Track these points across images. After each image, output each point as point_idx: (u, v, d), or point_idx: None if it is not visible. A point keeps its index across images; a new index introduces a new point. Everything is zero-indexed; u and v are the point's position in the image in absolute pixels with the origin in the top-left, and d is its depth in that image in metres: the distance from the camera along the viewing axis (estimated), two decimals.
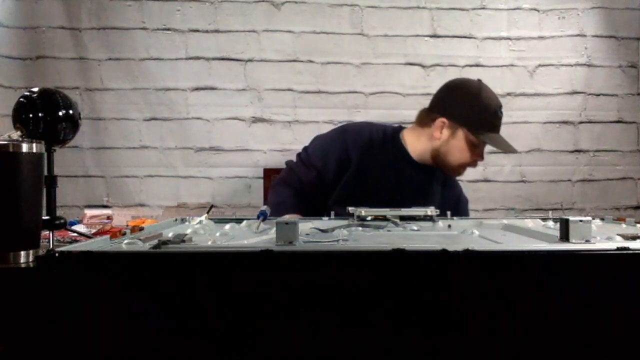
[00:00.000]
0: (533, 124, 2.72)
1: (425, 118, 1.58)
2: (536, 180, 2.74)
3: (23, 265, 0.74)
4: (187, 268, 0.67)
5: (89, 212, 1.87)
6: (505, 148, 1.54)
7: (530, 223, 1.11)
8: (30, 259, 0.75)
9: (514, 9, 2.72)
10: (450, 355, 0.67)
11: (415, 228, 1.04)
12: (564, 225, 0.77)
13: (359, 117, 2.63)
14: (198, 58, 2.64)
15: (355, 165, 1.55)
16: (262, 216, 1.11)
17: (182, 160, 2.68)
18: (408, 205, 1.17)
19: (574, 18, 2.73)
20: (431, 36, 2.70)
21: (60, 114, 1.13)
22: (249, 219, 1.16)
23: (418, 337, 0.66)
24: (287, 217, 1.23)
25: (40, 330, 0.67)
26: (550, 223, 1.08)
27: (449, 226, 1.09)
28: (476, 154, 1.54)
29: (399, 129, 1.65)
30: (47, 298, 0.67)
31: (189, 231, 0.95)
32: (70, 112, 1.14)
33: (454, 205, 1.59)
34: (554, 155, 2.74)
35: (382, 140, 1.61)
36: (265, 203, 1.96)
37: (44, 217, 1.04)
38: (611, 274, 0.67)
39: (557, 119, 2.74)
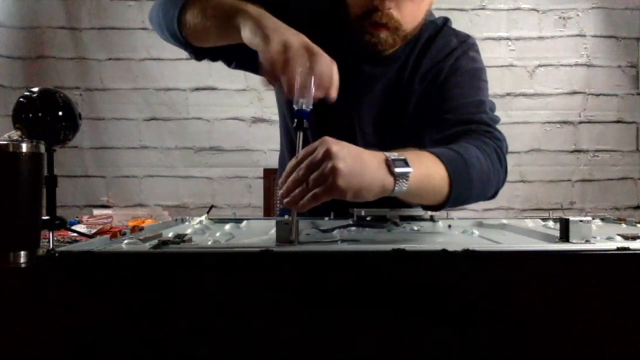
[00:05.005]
0: (533, 124, 2.72)
1: None
2: (536, 180, 2.74)
3: (23, 265, 0.74)
4: (187, 268, 0.67)
5: (94, 212, 1.88)
6: None
7: (530, 223, 1.11)
8: (30, 259, 0.75)
9: (514, 9, 2.72)
10: (450, 355, 0.67)
11: (416, 228, 1.04)
12: (564, 225, 0.76)
13: None
14: None
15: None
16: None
17: (182, 160, 2.68)
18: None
19: (573, 18, 2.73)
20: None
21: (60, 114, 1.13)
22: (249, 219, 1.16)
23: (418, 337, 0.66)
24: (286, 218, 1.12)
25: (40, 330, 0.67)
26: (550, 223, 1.08)
27: (449, 226, 1.09)
28: None
29: None
30: (47, 298, 0.67)
31: (189, 231, 0.95)
32: (70, 112, 1.14)
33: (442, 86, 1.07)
34: (554, 155, 2.74)
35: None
36: (264, 203, 1.93)
37: (44, 217, 1.04)
38: (611, 274, 0.67)
39: (557, 119, 2.74)
